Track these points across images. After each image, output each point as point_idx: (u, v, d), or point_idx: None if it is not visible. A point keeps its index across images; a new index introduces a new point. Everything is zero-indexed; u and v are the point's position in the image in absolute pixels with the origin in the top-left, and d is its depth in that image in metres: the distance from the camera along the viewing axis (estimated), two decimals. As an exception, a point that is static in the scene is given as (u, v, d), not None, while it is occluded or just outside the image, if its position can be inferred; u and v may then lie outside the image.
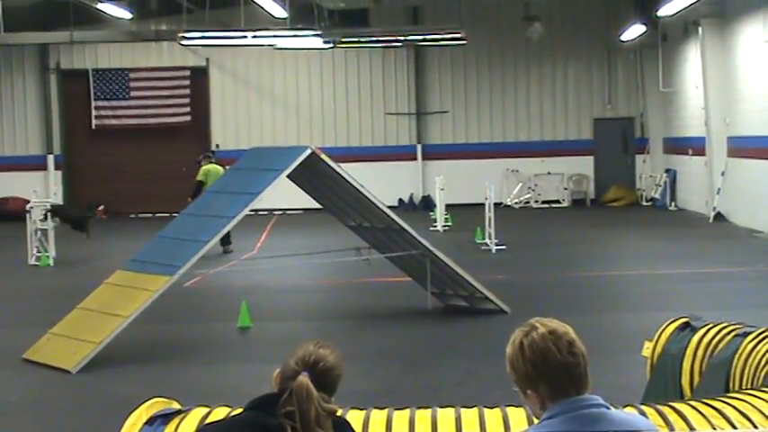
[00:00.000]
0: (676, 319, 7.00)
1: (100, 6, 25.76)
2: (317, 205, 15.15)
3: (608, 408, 3.53)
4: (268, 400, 3.79)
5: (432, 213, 26.82)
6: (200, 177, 21.39)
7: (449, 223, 25.46)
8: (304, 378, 3.73)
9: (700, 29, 25.94)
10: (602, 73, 32.98)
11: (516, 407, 5.16)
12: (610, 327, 12.79)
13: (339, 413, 3.90)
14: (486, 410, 5.29)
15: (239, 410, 4.47)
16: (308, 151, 12.93)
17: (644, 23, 27.81)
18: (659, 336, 6.97)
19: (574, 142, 32.97)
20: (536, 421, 3.63)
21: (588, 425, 3.44)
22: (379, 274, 16.26)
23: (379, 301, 15.44)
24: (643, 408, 5.23)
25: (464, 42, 26.69)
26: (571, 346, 3.53)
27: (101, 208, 24.09)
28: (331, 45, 27.41)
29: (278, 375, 3.89)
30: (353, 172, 13.69)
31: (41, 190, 29.62)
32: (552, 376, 3.50)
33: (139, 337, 12.20)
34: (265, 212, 28.71)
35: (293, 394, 3.70)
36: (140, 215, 31.96)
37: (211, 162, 21.90)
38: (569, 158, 32.68)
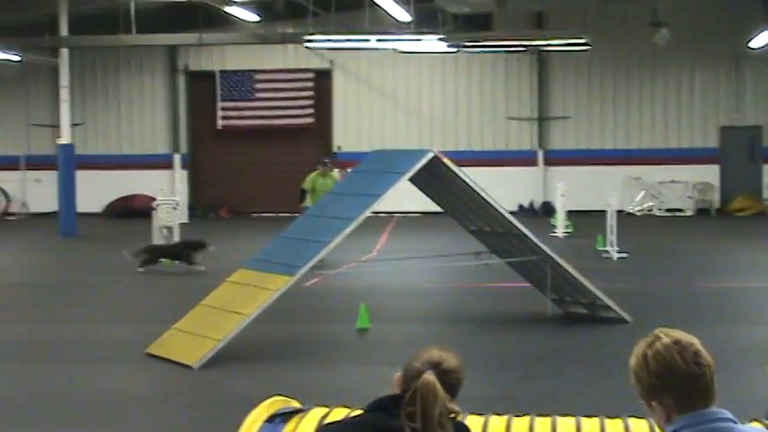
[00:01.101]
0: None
1: (228, 9, 26.20)
2: (437, 208, 15.14)
3: (735, 422, 3.45)
4: (390, 401, 3.77)
5: (552, 219, 26.60)
6: (305, 185, 20.86)
7: (569, 230, 25.22)
8: (430, 376, 3.70)
9: (833, 36, 25.24)
10: (729, 80, 32.32)
11: (638, 418, 5.08)
12: (735, 339, 12.50)
13: (459, 417, 3.88)
14: (606, 420, 5.21)
15: (359, 411, 4.48)
16: (431, 155, 12.93)
17: (775, 30, 27.16)
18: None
19: (699, 150, 32.37)
20: (658, 432, 3.57)
21: (716, 439, 3.36)
22: (498, 279, 16.18)
23: (498, 306, 15.36)
24: (770, 423, 5.09)
25: (588, 48, 26.40)
26: (696, 356, 3.46)
27: (224, 207, 24.40)
28: (454, 49, 27.38)
29: (400, 377, 3.87)
30: (474, 176, 13.64)
31: (167, 188, 30.23)
32: (677, 387, 3.44)
33: (260, 336, 12.34)
34: (385, 215, 28.83)
35: (417, 393, 3.67)
36: (262, 215, 32.39)
37: (327, 170, 21.02)
38: (694, 167, 32.08)
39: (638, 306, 14.21)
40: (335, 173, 21.55)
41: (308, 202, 19.95)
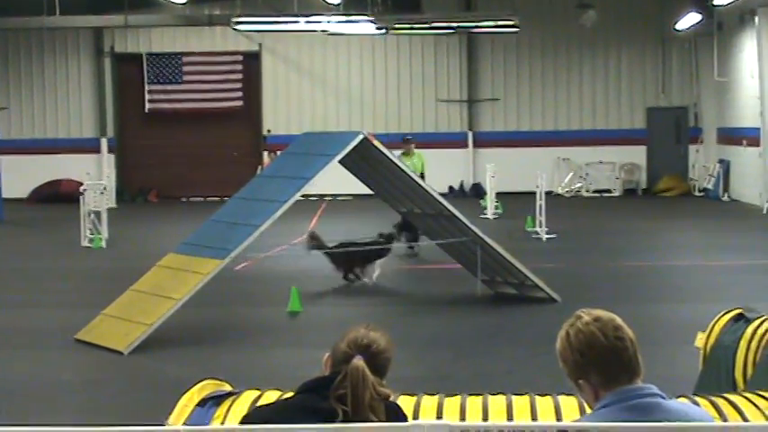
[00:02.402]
0: (730, 311, 6.94)
1: (154, -9, 25.94)
2: (368, 191, 15.15)
3: (663, 397, 3.50)
4: (320, 383, 3.79)
5: (482, 201, 26.75)
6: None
7: (499, 211, 25.38)
8: (359, 361, 3.72)
9: (756, 18, 25.62)
10: (655, 61, 32.69)
11: (567, 395, 5.14)
12: (662, 317, 12.69)
13: (390, 398, 3.89)
14: (537, 398, 5.28)
15: (290, 394, 4.49)
16: (361, 137, 12.94)
17: (699, 12, 27.52)
18: (713, 327, 6.91)
19: (626, 131, 32.73)
20: (588, 410, 3.61)
21: (643, 414, 3.41)
22: (429, 260, 16.25)
23: (429, 287, 15.43)
24: (696, 398, 5.19)
25: (517, 30, 26.56)
26: (617, 330, 3.52)
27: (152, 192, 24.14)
28: (383, 31, 27.38)
29: (328, 359, 3.89)
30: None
31: (94, 172, 29.89)
32: (601, 363, 3.49)
33: (191, 320, 12.28)
34: (315, 198, 28.79)
35: (347, 377, 3.70)
36: (191, 199, 32.17)
37: (410, 149, 19.30)
38: (621, 147, 32.44)
39: (567, 285, 14.36)
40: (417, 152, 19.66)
41: None
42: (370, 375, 3.70)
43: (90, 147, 33.12)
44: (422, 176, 16.63)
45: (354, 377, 3.69)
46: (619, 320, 3.57)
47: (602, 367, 3.49)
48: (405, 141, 19.59)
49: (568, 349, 3.54)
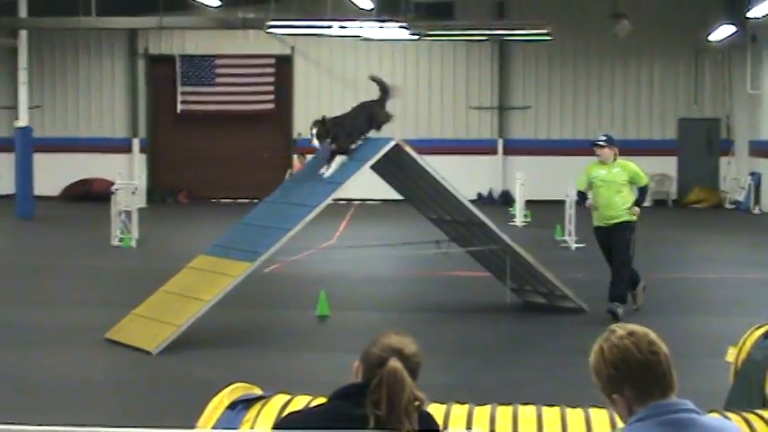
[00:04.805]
0: (762, 326, 6.90)
1: (189, -7, 26.04)
2: (397, 196, 15.16)
3: (698, 413, 3.49)
4: (354, 389, 3.76)
5: (511, 209, 26.70)
6: (579, 186, 14.30)
7: (528, 219, 25.32)
8: (396, 363, 3.69)
9: (791, 31, 25.48)
10: (688, 72, 32.55)
11: (599, 408, 5.12)
12: (692, 330, 12.62)
13: (424, 404, 3.88)
14: (567, 410, 5.26)
15: (322, 399, 4.48)
16: (392, 143, 12.94)
17: (733, 24, 27.38)
18: (744, 342, 6.88)
19: (657, 142, 32.60)
20: (620, 424, 3.61)
21: (678, 430, 3.40)
22: (458, 267, 16.23)
23: (458, 295, 15.42)
24: (728, 414, 5.16)
25: (550, 38, 26.50)
26: (651, 345, 3.52)
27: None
28: (416, 37, 27.38)
29: (359, 366, 3.85)
30: (434, 164, 13.66)
31: (126, 172, 30.06)
32: (635, 377, 3.49)
33: (219, 322, 12.31)
34: (344, 202, 28.81)
35: (384, 381, 3.66)
36: (221, 200, 32.28)
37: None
38: (652, 158, 32.23)
39: (596, 296, 14.27)
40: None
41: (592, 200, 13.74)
42: (407, 377, 3.68)
43: (122, 146, 33.32)
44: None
45: (392, 379, 3.66)
46: (653, 335, 3.57)
47: (636, 382, 3.49)
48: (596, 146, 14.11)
49: (602, 363, 3.55)
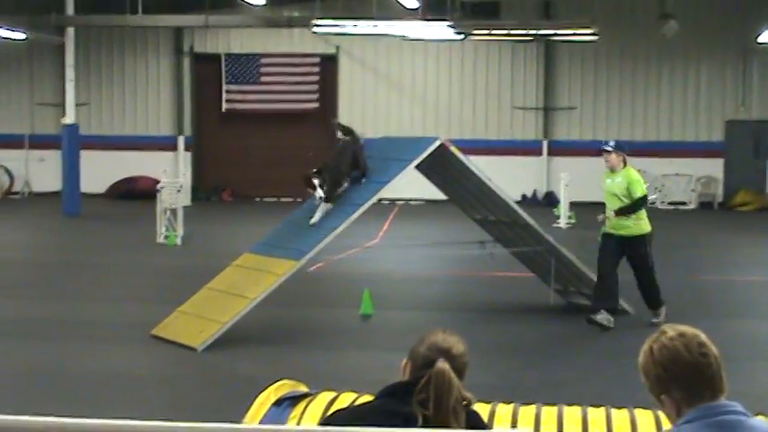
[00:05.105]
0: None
1: (235, -8, 26.17)
2: (441, 196, 15.15)
3: (747, 416, 3.47)
4: (402, 387, 3.76)
5: (555, 210, 26.60)
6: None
7: (572, 221, 25.22)
8: (444, 364, 3.70)
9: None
10: (736, 74, 32.26)
11: (644, 409, 5.10)
12: (739, 333, 12.51)
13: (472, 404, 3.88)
14: (613, 411, 5.24)
15: (368, 397, 4.50)
16: (438, 142, 12.94)
17: (783, 25, 27.13)
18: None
19: (704, 143, 32.34)
20: (666, 425, 3.59)
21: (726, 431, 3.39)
22: (501, 268, 16.19)
23: (502, 295, 15.39)
24: (776, 417, 5.11)
25: (596, 38, 26.37)
26: (701, 347, 3.50)
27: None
28: (462, 37, 27.35)
29: (407, 363, 3.86)
30: (478, 164, 13.65)
31: (171, 170, 30.24)
32: (684, 378, 3.47)
33: (264, 320, 12.37)
34: (388, 201, 28.83)
35: (432, 381, 3.67)
36: (265, 199, 32.41)
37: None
38: (698, 160, 32.06)
39: (640, 298, 14.18)
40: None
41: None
42: (455, 378, 3.68)
43: (167, 144, 33.51)
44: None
45: (439, 380, 3.67)
46: (703, 337, 3.55)
47: (685, 383, 3.48)
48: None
49: (651, 364, 3.54)
